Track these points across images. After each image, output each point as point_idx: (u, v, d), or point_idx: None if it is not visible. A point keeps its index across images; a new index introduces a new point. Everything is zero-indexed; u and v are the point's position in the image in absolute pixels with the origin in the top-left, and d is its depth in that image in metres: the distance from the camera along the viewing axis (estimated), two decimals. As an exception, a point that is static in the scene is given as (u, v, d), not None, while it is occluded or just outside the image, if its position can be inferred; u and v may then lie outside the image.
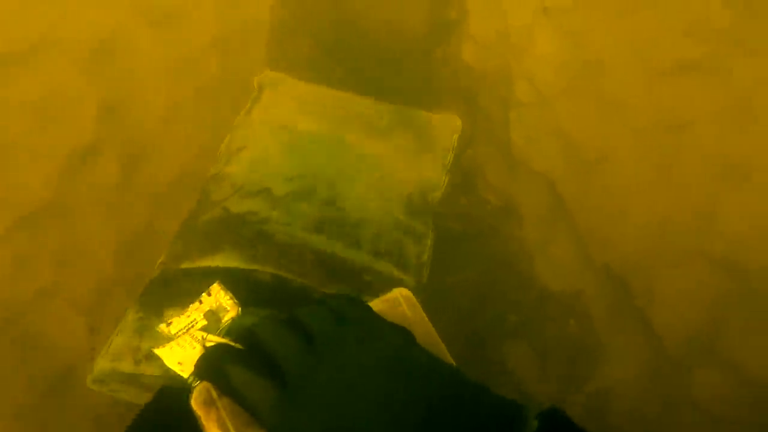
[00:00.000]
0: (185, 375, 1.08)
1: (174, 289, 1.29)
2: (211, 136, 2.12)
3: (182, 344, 1.13)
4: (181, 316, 1.18)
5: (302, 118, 1.56)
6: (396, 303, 0.91)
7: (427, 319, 0.85)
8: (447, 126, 1.64)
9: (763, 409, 1.46)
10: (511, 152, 1.80)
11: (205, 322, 1.18)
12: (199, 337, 1.18)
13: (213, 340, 0.66)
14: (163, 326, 1.16)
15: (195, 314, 1.19)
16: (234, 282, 1.21)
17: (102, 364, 1.23)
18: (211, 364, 0.63)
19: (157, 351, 1.11)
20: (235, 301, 1.17)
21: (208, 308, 1.20)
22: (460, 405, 0.63)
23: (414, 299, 0.96)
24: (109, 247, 1.80)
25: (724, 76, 1.59)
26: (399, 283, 1.30)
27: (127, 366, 1.23)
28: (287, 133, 1.53)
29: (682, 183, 1.59)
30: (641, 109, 1.65)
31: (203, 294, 1.20)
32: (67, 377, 1.57)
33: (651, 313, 1.55)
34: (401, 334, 0.69)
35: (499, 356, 1.82)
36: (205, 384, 0.63)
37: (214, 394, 0.61)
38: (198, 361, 0.65)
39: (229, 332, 1.15)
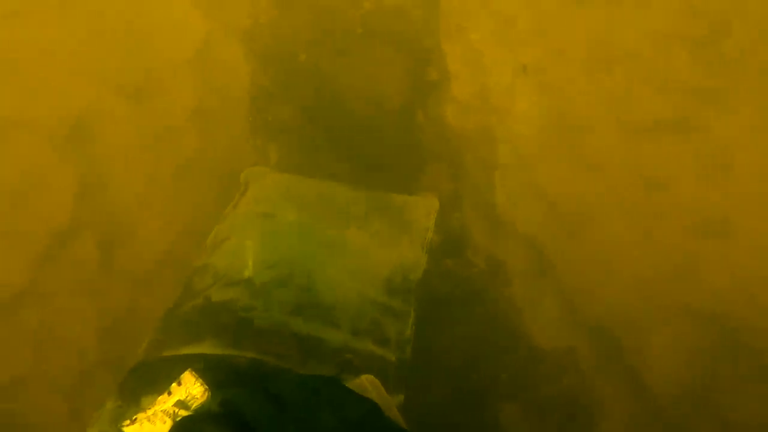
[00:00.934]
0: None
1: (152, 377, 1.31)
2: (192, 214, 2.09)
3: (153, 420, 1.16)
4: (148, 411, 1.19)
5: (283, 208, 1.66)
6: (362, 388, 0.99)
7: (392, 402, 0.97)
8: (424, 207, 1.73)
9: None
10: (497, 214, 1.82)
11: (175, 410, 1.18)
12: (171, 413, 1.19)
13: (185, 414, 0.72)
14: (126, 423, 1.16)
15: (164, 406, 1.20)
16: (213, 368, 1.24)
17: None
18: (185, 427, 0.67)
19: (126, 429, 1.13)
20: (206, 387, 1.19)
21: (176, 399, 1.21)
22: None
23: (379, 384, 1.05)
24: (90, 330, 1.75)
25: (702, 134, 1.64)
26: (380, 360, 1.39)
27: None
28: (268, 223, 1.62)
29: (664, 240, 1.62)
30: (621, 169, 1.68)
31: (173, 384, 1.21)
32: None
33: (642, 369, 1.55)
34: (370, 404, 0.77)
35: (493, 418, 1.80)
36: None
37: None
38: (173, 426, 0.69)
39: (199, 409, 1.16)
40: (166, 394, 1.20)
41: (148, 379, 1.30)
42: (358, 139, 2.14)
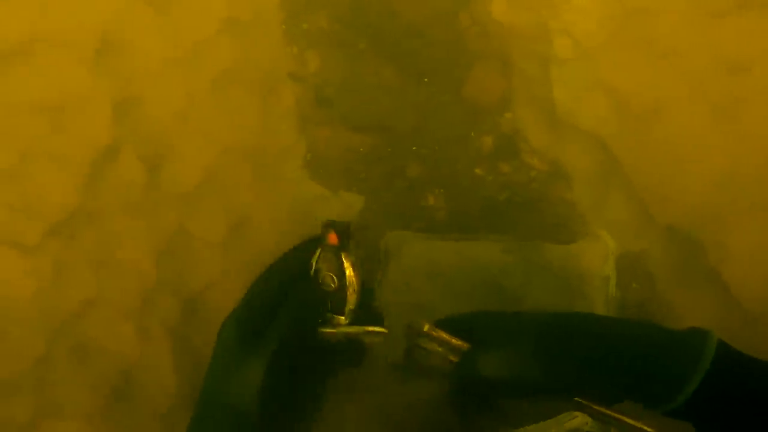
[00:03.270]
0: None
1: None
2: (232, 129, 2.00)
3: None
4: None
5: (431, 295, 1.49)
6: None
7: None
8: (595, 253, 1.48)
9: None
10: (555, 112, 1.70)
11: None
12: None
13: None
14: None
15: None
16: None
17: None
18: None
19: None
20: None
21: None
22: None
23: None
24: (145, 252, 1.72)
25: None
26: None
27: None
28: (418, 315, 1.39)
29: (746, 130, 1.49)
30: (696, 54, 1.53)
31: None
32: (128, 380, 1.54)
33: (723, 270, 1.47)
34: None
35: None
36: None
37: None
38: None
39: None
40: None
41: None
42: (400, 41, 1.99)
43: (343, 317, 0.94)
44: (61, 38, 1.81)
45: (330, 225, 0.95)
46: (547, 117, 1.76)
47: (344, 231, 0.96)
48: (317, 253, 0.94)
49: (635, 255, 1.62)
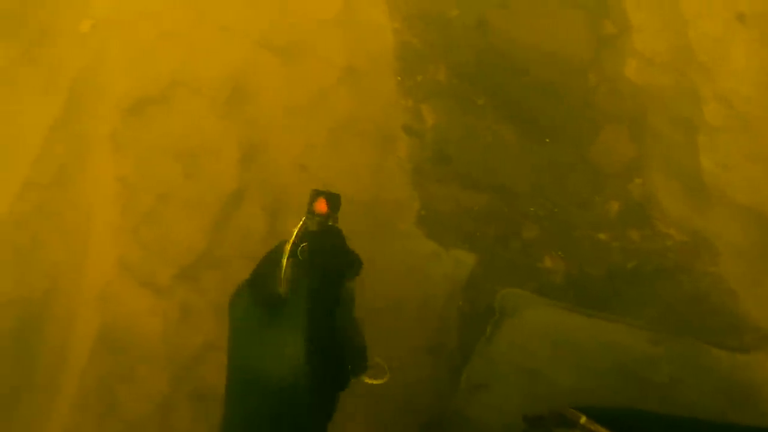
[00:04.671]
0: None
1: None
2: (347, 179, 1.99)
3: None
4: None
5: (553, 366, 1.37)
6: None
7: None
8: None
9: None
10: (701, 181, 1.59)
11: None
12: None
13: None
14: None
15: None
16: None
17: None
18: None
19: None
20: None
21: None
22: None
23: None
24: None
25: None
26: None
27: None
28: (535, 383, 1.36)
29: None
30: None
31: None
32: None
33: None
34: None
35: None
36: None
37: None
38: None
39: None
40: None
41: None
42: (523, 99, 1.95)
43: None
44: (197, 85, 1.88)
45: (320, 193, 0.96)
46: (689, 185, 1.64)
47: (334, 202, 0.97)
48: (301, 220, 1.00)
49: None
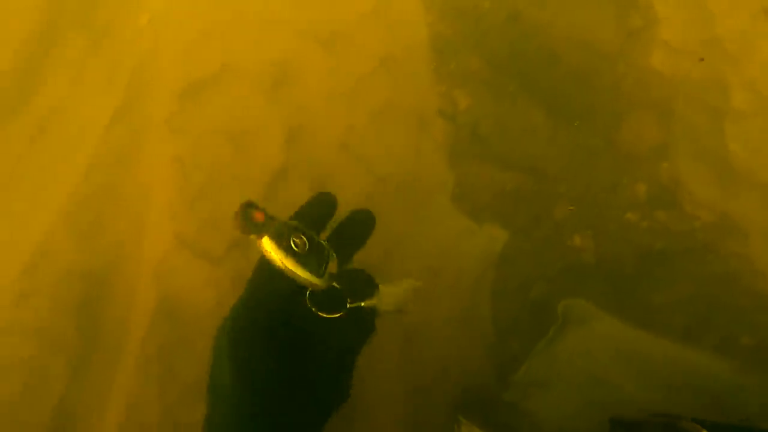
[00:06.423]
0: None
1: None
2: (386, 161, 2.11)
3: None
4: None
5: (619, 375, 1.39)
6: None
7: None
8: None
9: None
10: (730, 163, 1.65)
11: None
12: None
13: None
14: None
15: None
16: None
17: None
18: None
19: None
20: None
21: None
22: None
23: None
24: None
25: None
26: None
27: None
28: (599, 388, 1.38)
29: None
30: None
31: None
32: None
33: None
34: None
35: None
36: None
37: None
38: None
39: None
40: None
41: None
42: (555, 86, 2.03)
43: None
44: (245, 70, 2.00)
45: (249, 205, 0.81)
46: (716, 168, 1.70)
47: (263, 210, 0.88)
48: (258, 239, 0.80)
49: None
